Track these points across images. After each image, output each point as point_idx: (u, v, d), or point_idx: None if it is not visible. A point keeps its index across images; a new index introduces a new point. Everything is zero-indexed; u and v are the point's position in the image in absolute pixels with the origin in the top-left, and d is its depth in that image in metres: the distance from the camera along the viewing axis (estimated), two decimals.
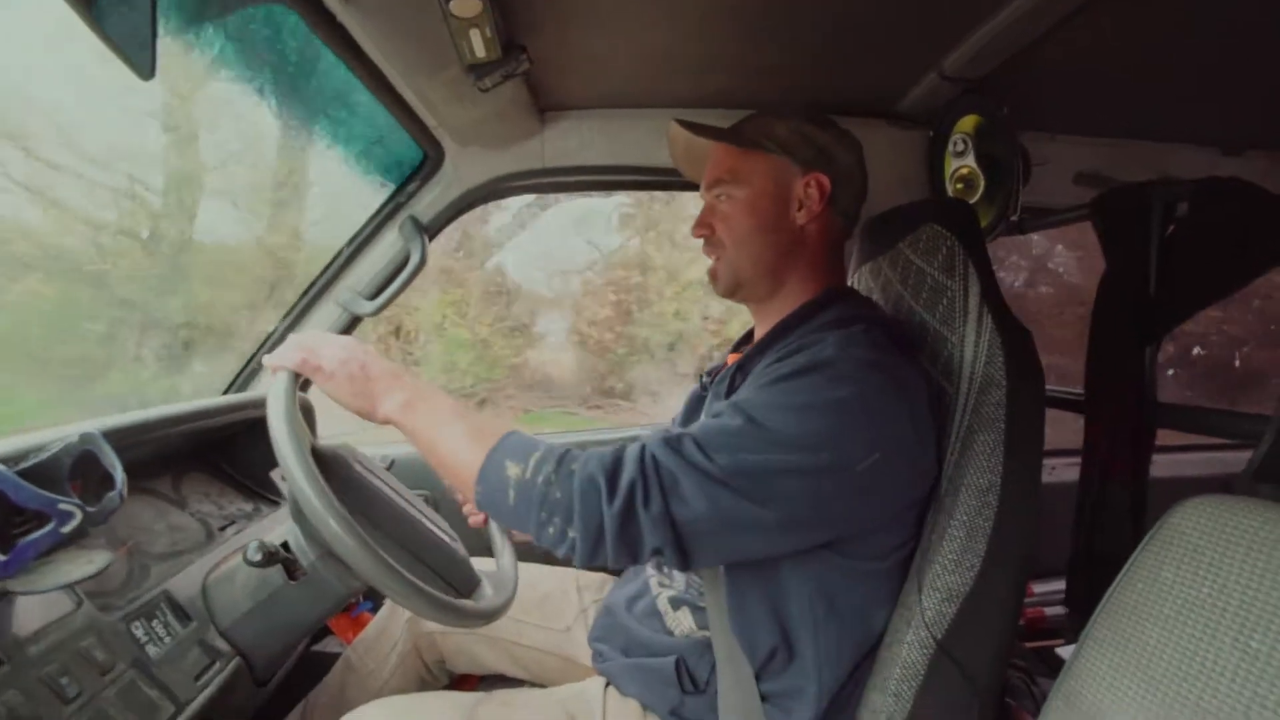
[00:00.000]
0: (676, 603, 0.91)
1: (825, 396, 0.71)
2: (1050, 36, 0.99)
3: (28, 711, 0.58)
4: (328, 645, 1.36)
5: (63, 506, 0.58)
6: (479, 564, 1.16)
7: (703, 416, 0.97)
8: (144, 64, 0.55)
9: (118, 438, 0.74)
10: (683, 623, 0.89)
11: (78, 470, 0.66)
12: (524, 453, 0.72)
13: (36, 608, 0.67)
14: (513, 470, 0.71)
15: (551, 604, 1.11)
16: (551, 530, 0.70)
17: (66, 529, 0.58)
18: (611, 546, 0.69)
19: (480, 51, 0.89)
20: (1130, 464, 1.06)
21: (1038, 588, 1.63)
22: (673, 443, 0.71)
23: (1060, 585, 1.29)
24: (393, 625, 1.11)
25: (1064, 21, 0.96)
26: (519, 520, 0.72)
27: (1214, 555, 0.60)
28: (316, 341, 0.79)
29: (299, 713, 1.08)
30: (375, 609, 1.29)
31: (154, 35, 0.56)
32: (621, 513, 0.68)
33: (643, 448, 0.71)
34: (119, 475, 0.66)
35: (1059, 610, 1.55)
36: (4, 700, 0.57)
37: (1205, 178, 1.00)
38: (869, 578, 0.81)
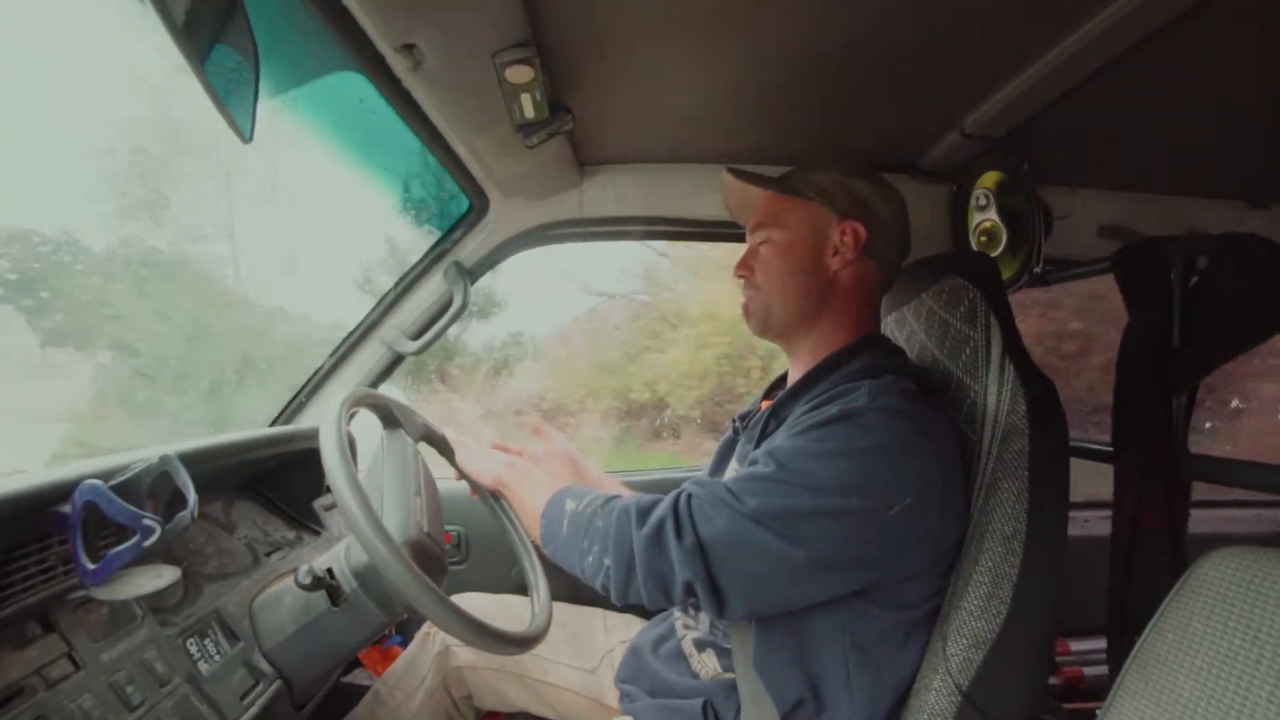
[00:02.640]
0: (701, 644, 0.92)
1: (855, 444, 0.74)
2: (1070, 96, 1.03)
3: (98, 715, 0.62)
4: (356, 677, 1.38)
5: (146, 522, 0.63)
6: (508, 601, 1.18)
7: (733, 462, 0.99)
8: (245, 127, 0.62)
9: (186, 460, 0.79)
10: (708, 665, 0.90)
11: (152, 490, 0.72)
12: (582, 494, 0.83)
13: (107, 617, 0.71)
14: (570, 505, 0.82)
15: (580, 643, 1.12)
16: (590, 559, 0.76)
17: (148, 543, 0.63)
18: (642, 576, 0.72)
19: (530, 113, 0.97)
20: (1164, 516, 1.05)
21: (1075, 645, 1.58)
22: (708, 486, 0.76)
23: (1100, 643, 1.25)
24: (421, 659, 1.12)
25: (1083, 84, 0.99)
26: (568, 549, 0.79)
27: (1244, 607, 0.59)
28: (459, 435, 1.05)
29: None
30: (405, 643, 1.31)
31: (256, 101, 0.63)
32: (650, 539, 0.72)
33: (679, 490, 0.77)
34: (191, 496, 0.72)
35: (1100, 670, 1.50)
36: (79, 703, 0.61)
37: (1225, 234, 1.02)
38: (902, 628, 0.81)
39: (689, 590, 0.72)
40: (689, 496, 0.75)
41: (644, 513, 0.75)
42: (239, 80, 0.63)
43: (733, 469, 0.97)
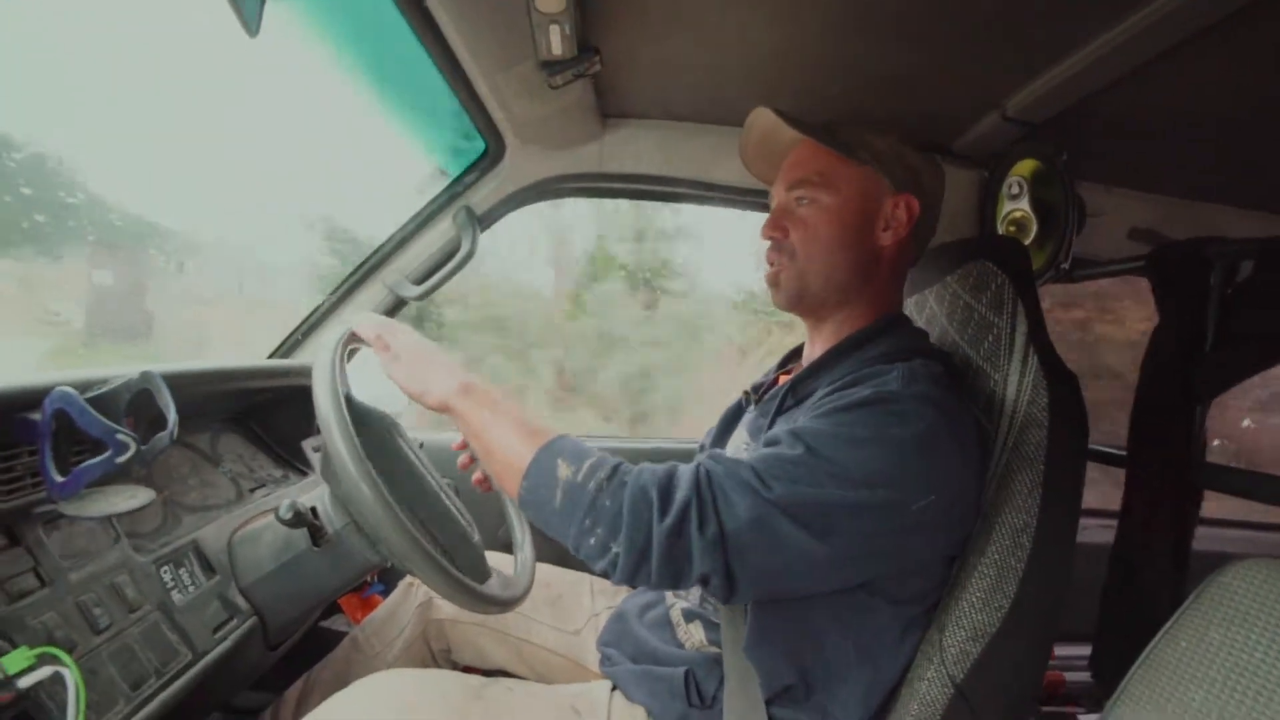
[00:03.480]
0: (690, 615, 0.90)
1: (888, 433, 0.69)
2: (1116, 88, 0.99)
3: (62, 635, 0.59)
4: (335, 623, 1.37)
5: (120, 437, 0.60)
6: (493, 558, 1.16)
7: (740, 432, 0.96)
8: (252, 19, 0.57)
9: (171, 382, 0.76)
10: (694, 636, 0.88)
11: (132, 407, 0.68)
12: (578, 455, 0.69)
13: (79, 536, 0.68)
14: (564, 470, 0.68)
15: (564, 605, 1.11)
16: (593, 541, 0.66)
17: (121, 459, 0.60)
18: (656, 566, 0.65)
19: (557, 48, 0.92)
20: (1171, 527, 1.03)
21: (1060, 650, 1.58)
22: (729, 465, 0.69)
23: (1083, 650, 1.24)
24: (403, 610, 1.11)
25: (1131, 74, 0.95)
26: (560, 523, 0.68)
27: (1266, 621, 0.57)
28: (394, 326, 0.80)
29: (301, 684, 1.08)
30: (386, 592, 1.30)
31: None
32: (672, 530, 0.64)
33: (698, 468, 0.69)
34: (172, 416, 0.68)
35: (1082, 676, 1.49)
36: (43, 620, 0.59)
37: (1272, 237, 0.98)
38: (901, 620, 0.79)
39: (704, 581, 0.66)
40: (709, 476, 0.68)
41: (665, 497, 0.66)
42: None
43: (739, 440, 0.94)
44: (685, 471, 0.68)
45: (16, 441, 0.62)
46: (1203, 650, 0.60)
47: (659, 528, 0.64)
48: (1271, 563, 0.60)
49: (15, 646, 0.54)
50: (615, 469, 0.68)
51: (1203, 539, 1.12)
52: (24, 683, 0.51)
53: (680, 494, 0.66)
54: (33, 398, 0.61)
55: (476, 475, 0.99)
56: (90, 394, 0.63)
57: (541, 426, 0.74)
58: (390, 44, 0.97)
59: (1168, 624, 0.65)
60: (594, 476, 0.67)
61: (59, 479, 0.57)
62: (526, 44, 0.92)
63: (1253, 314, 0.98)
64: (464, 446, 0.98)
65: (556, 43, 0.90)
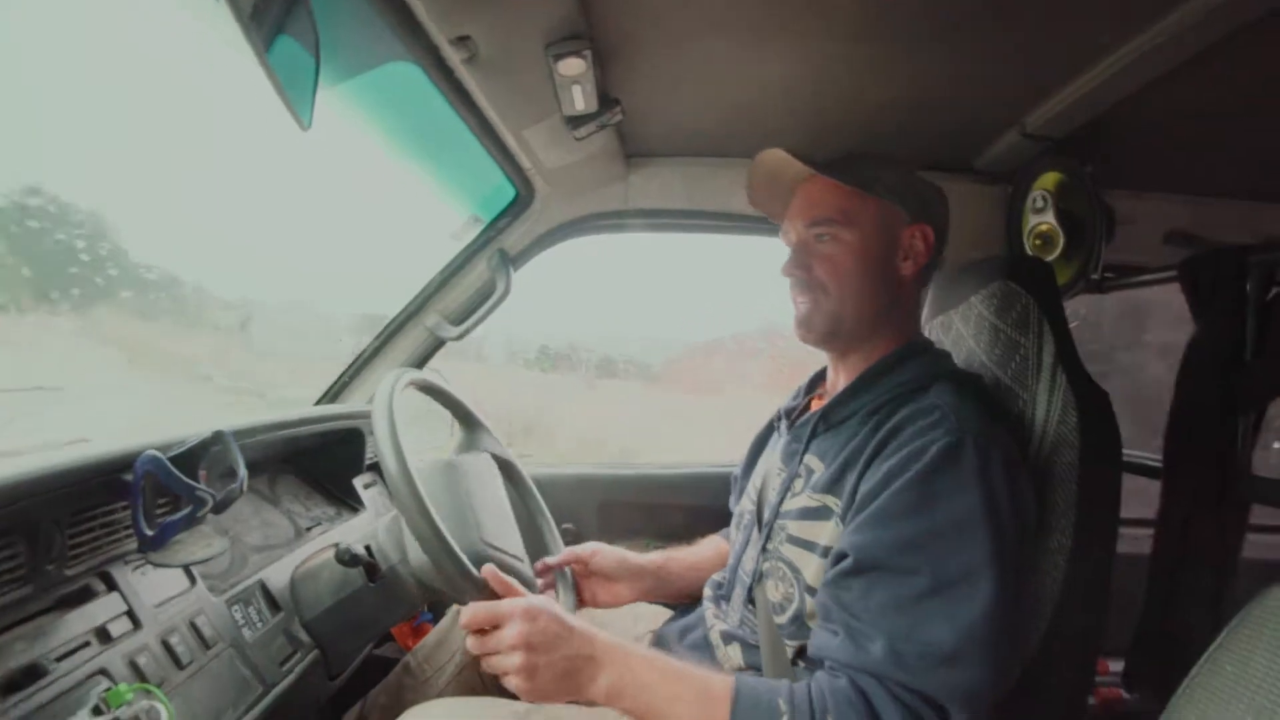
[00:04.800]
0: (728, 637, 0.92)
1: (958, 508, 0.70)
2: (1139, 96, 0.97)
3: (152, 670, 0.66)
4: (387, 651, 1.42)
5: (199, 493, 0.66)
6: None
7: (771, 455, 0.98)
8: (305, 114, 0.64)
9: (237, 437, 0.83)
10: (732, 658, 0.90)
11: (206, 462, 0.75)
12: (769, 716, 0.68)
13: (164, 581, 0.75)
14: None
15: (607, 629, 1.13)
16: None
17: (200, 513, 0.66)
18: None
19: (579, 104, 0.97)
20: (1215, 540, 1.00)
21: (1114, 666, 1.52)
22: (902, 665, 0.68)
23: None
24: (452, 637, 1.15)
25: (1154, 83, 0.94)
26: None
27: None
28: (520, 640, 0.70)
29: (358, 709, 1.13)
30: (436, 620, 1.35)
31: (315, 89, 0.65)
32: None
33: (889, 692, 0.68)
34: (242, 471, 0.75)
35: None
36: (136, 660, 0.65)
37: None
38: None
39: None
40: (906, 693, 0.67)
41: None
42: (300, 69, 0.64)
43: (772, 464, 0.96)
44: (882, 700, 0.68)
45: (111, 499, 0.70)
46: (1248, 677, 0.59)
47: None
48: None
49: (115, 683, 0.61)
50: (811, 715, 0.68)
51: (1261, 547, 1.09)
52: (124, 716, 0.57)
53: None
54: (125, 461, 0.68)
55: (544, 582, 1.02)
56: (172, 453, 0.70)
57: (710, 687, 0.71)
58: (423, 108, 1.04)
59: (1211, 648, 0.64)
60: None
61: (149, 533, 0.64)
62: (551, 102, 0.98)
63: None
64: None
65: (579, 100, 0.96)
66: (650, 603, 1.18)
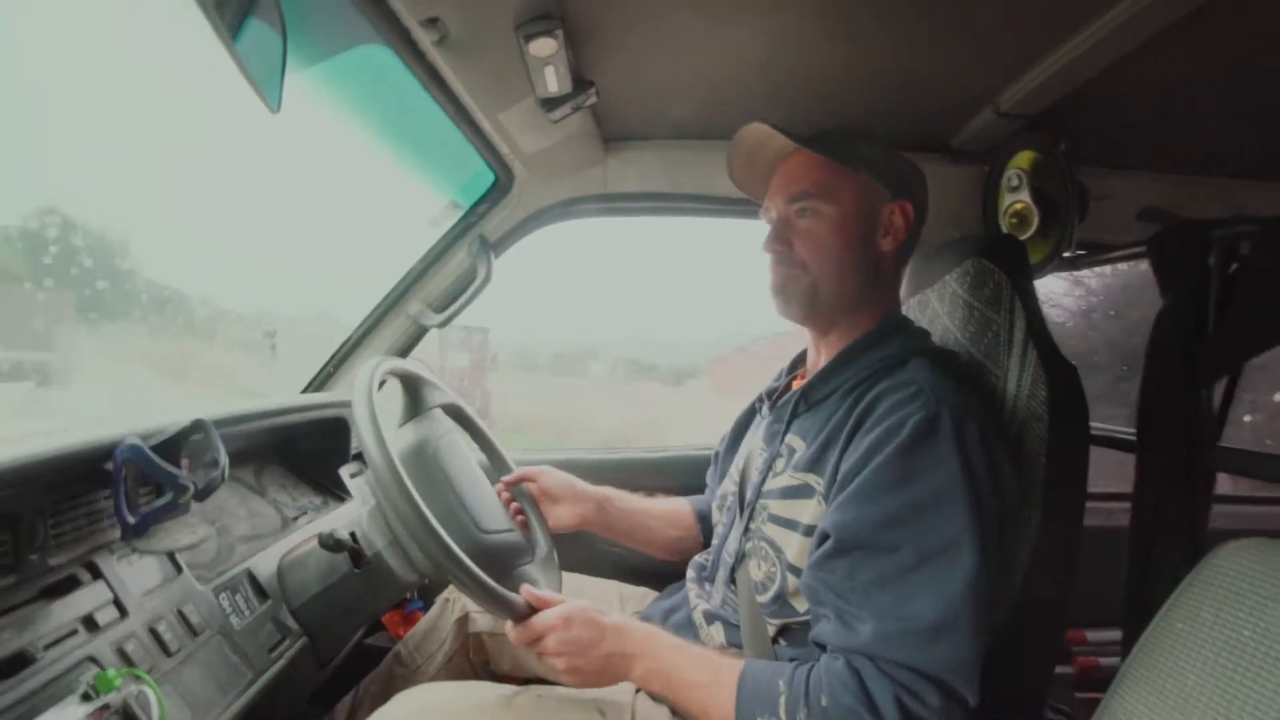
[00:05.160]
0: (710, 617, 0.93)
1: (937, 481, 0.72)
2: (1111, 71, 0.98)
3: (140, 657, 0.66)
4: (378, 640, 1.43)
5: (181, 480, 0.67)
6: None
7: (753, 436, 0.99)
8: (273, 98, 0.64)
9: (220, 426, 0.83)
10: (715, 638, 0.91)
11: (188, 450, 0.75)
12: (769, 700, 0.72)
13: (150, 570, 0.76)
14: None
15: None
16: None
17: (182, 500, 0.66)
18: None
19: (553, 86, 0.97)
20: (1186, 509, 1.03)
21: (1093, 636, 1.57)
22: (891, 642, 0.70)
23: (1117, 634, 1.24)
24: (441, 624, 1.16)
25: (1125, 58, 0.95)
26: None
27: (1257, 599, 0.58)
28: (563, 647, 0.79)
29: (350, 698, 1.14)
30: (426, 608, 1.36)
31: (283, 73, 0.65)
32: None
33: (881, 670, 0.69)
34: (223, 458, 0.75)
35: (1116, 661, 1.48)
36: (124, 647, 0.66)
37: (1272, 217, 0.98)
38: None
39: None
40: (899, 674, 0.69)
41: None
42: (268, 53, 0.64)
43: (754, 444, 0.98)
44: (877, 684, 0.69)
45: (93, 488, 0.70)
46: (1196, 631, 0.62)
47: None
48: (1262, 542, 0.62)
49: (103, 670, 0.62)
50: (807, 694, 0.71)
51: (1226, 517, 1.12)
52: (114, 702, 0.58)
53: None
54: (106, 450, 0.69)
55: (514, 508, 1.08)
56: (153, 441, 0.70)
57: (721, 672, 0.76)
58: (399, 93, 1.03)
59: (1164, 606, 0.67)
60: (796, 716, 0.70)
61: (131, 520, 0.65)
62: (524, 84, 0.98)
63: (1250, 295, 0.98)
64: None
65: (552, 81, 0.95)
66: (633, 585, 1.20)
